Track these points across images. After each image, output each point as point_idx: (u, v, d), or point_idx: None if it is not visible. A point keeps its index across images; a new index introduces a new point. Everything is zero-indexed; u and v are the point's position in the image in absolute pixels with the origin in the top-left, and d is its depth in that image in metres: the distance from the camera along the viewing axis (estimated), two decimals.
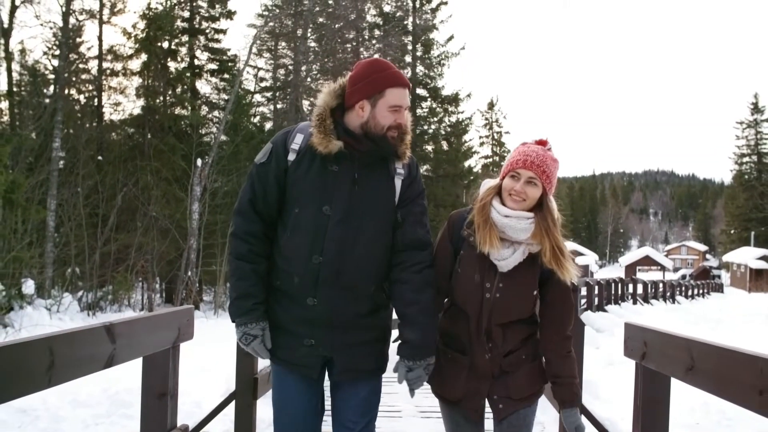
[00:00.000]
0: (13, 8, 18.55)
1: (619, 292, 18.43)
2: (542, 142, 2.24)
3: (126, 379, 5.69)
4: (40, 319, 11.91)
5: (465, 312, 2.23)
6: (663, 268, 65.45)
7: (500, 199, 2.21)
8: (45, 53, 21.60)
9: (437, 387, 2.33)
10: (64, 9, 19.13)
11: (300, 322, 2.17)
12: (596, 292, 15.73)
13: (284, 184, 2.16)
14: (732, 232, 60.07)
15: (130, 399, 4.81)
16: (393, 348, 2.25)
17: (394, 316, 2.34)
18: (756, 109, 59.96)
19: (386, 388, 6.36)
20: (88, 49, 22.01)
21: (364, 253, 2.15)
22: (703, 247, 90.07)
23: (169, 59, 22.33)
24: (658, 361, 2.40)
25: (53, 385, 1.80)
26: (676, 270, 73.82)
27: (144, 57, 21.34)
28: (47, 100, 18.75)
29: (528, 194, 2.15)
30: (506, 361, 2.22)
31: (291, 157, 2.16)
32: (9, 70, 18.10)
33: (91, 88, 22.55)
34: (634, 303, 19.54)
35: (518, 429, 2.25)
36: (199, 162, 18.77)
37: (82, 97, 22.47)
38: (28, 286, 12.21)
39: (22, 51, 20.33)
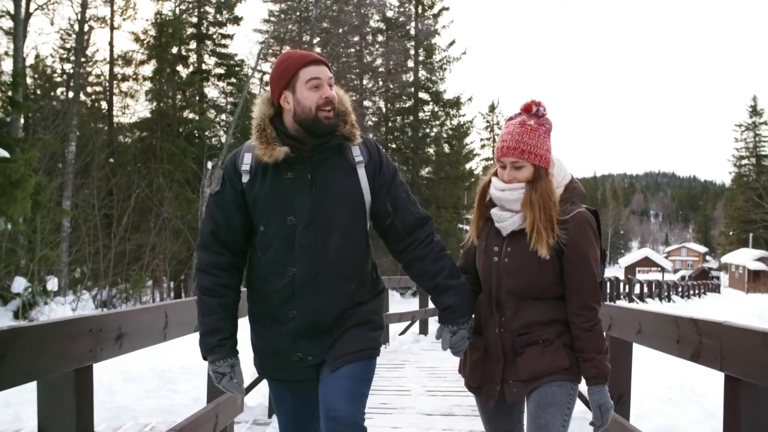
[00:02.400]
0: (27, 15, 19.24)
1: (615, 291, 19.08)
2: (527, 107, 2.19)
3: (169, 360, 6.37)
4: (65, 315, 12.58)
5: (484, 288, 2.22)
6: (662, 270, 65.96)
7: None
8: (60, 58, 22.41)
9: (464, 375, 2.30)
10: (79, 17, 19.86)
11: (284, 339, 2.11)
12: None
13: (245, 207, 2.09)
14: (731, 233, 60.53)
15: (173, 377, 5.48)
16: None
17: (394, 310, 2.55)
18: (754, 111, 60.37)
19: (396, 372, 7.09)
20: (95, 52, 22.75)
21: (337, 254, 2.08)
22: (703, 249, 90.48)
23: (179, 65, 23.03)
24: (620, 330, 3.05)
25: (167, 340, 2.47)
26: (675, 271, 74.29)
27: (155, 62, 22.03)
28: (56, 104, 19.49)
29: (518, 178, 2.14)
30: (519, 340, 2.13)
31: (245, 179, 2.09)
32: (24, 76, 18.79)
33: (98, 89, 23.27)
34: (630, 301, 20.19)
35: (546, 407, 2.09)
36: (209, 164, 19.46)
37: (93, 102, 23.15)
38: (52, 284, 12.85)
39: (37, 57, 21.06)
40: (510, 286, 2.14)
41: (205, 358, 2.13)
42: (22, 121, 16.62)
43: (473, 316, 2.20)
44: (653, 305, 21.38)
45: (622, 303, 19.22)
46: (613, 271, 66.85)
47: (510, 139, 2.13)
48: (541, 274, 2.12)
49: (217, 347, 2.08)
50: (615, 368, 3.08)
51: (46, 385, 1.85)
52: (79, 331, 1.88)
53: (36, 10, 19.29)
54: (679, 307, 22.40)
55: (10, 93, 13.59)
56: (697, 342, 2.11)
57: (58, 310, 12.68)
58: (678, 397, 5.64)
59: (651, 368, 5.72)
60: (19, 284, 12.41)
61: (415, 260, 2.19)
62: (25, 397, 4.35)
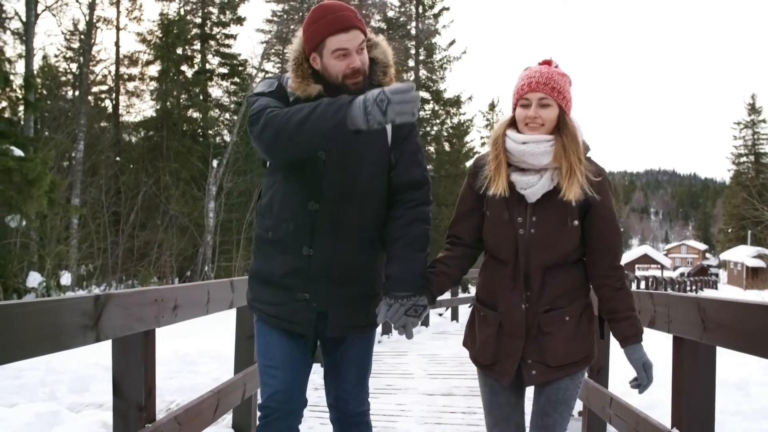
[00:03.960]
0: (36, 17, 19.64)
1: None
2: (547, 62, 2.08)
3: (190, 345, 6.83)
4: None
5: (499, 260, 2.05)
6: (661, 267, 66.39)
7: (516, 130, 2.04)
8: (63, 57, 22.86)
9: (471, 350, 2.16)
10: (87, 18, 20.29)
11: (292, 275, 2.03)
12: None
13: None
14: (729, 231, 60.94)
15: (194, 359, 5.92)
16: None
17: None
18: (753, 109, 60.75)
19: (400, 359, 7.53)
20: (99, 51, 23.20)
21: (362, 198, 2.03)
22: (702, 246, 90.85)
23: (184, 64, 23.46)
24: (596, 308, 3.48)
25: (209, 314, 2.91)
26: (675, 268, 74.69)
27: (160, 63, 22.46)
28: (63, 104, 19.92)
29: (544, 117, 1.98)
30: (546, 318, 2.00)
31: (291, 99, 2.03)
32: (33, 77, 19.20)
33: (104, 89, 23.72)
34: None
35: (556, 405, 2.05)
36: (215, 163, 19.89)
37: (97, 101, 23.58)
38: (66, 279, 13.29)
39: (44, 57, 21.49)
40: (541, 259, 1.99)
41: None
42: (32, 121, 17.04)
43: (421, 296, 2.00)
44: None
45: None
46: None
47: (539, 76, 1.99)
48: (570, 241, 2.01)
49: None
50: (589, 335, 3.53)
51: (120, 343, 2.28)
52: (147, 300, 2.31)
53: (44, 11, 19.74)
54: None
55: (22, 93, 14.01)
56: (652, 311, 2.54)
57: None
58: (664, 376, 6.07)
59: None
60: (34, 279, 12.83)
61: (389, 219, 2.09)
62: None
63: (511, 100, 2.07)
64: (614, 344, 4.22)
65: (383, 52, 2.10)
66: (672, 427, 2.34)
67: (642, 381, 2.03)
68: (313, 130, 1.84)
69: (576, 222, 2.00)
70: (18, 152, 11.68)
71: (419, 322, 2.03)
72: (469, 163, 31.91)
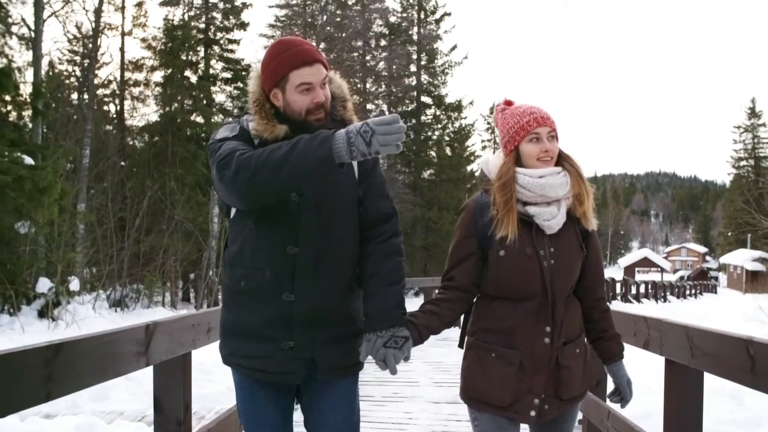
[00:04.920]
0: (42, 23, 19.88)
1: (611, 292, 19.72)
2: (510, 102, 2.16)
3: (203, 356, 7.04)
4: (86, 314, 13.27)
5: (516, 298, 2.03)
6: (661, 270, 66.57)
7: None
8: (67, 61, 23.12)
9: (481, 393, 2.06)
10: (93, 25, 20.53)
11: (273, 324, 1.95)
12: None
13: None
14: (729, 234, 61.13)
15: (209, 369, 6.14)
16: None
17: None
18: (753, 113, 61.00)
19: (405, 366, 7.81)
20: (102, 54, 23.41)
21: (340, 236, 2.00)
22: (702, 249, 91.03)
23: (188, 70, 23.71)
24: None
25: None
26: (675, 271, 74.90)
27: (166, 68, 22.71)
28: (69, 109, 20.17)
29: (554, 151, 2.04)
30: (564, 351, 2.03)
31: (255, 142, 1.96)
32: (39, 84, 19.44)
33: (107, 92, 23.98)
34: (625, 302, 20.84)
35: (559, 426, 2.13)
36: None
37: (103, 104, 23.84)
38: (75, 284, 13.52)
39: (50, 63, 21.74)
40: (563, 290, 2.03)
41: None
42: (40, 128, 17.25)
43: (400, 328, 1.95)
44: (649, 305, 22.05)
45: (618, 303, 19.92)
46: (613, 272, 67.44)
47: (541, 111, 2.04)
48: (578, 268, 2.08)
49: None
50: (594, 358, 3.76)
51: (161, 366, 2.50)
52: (187, 325, 2.54)
53: (50, 17, 19.97)
54: (674, 307, 23.03)
55: (29, 100, 14.23)
56: (647, 334, 2.77)
57: (80, 309, 13.34)
58: (657, 387, 6.31)
59: (635, 364, 6.38)
60: (44, 284, 13.05)
61: (362, 255, 2.06)
62: None
63: (506, 139, 2.06)
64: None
65: (339, 86, 2.08)
66: None
67: (626, 396, 2.16)
68: (296, 167, 1.75)
69: (583, 249, 2.09)
70: (28, 160, 11.92)
71: (403, 356, 1.92)
72: (470, 168, 32.24)
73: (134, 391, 5.88)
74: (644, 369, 7.41)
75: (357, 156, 1.73)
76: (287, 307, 1.94)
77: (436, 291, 2.17)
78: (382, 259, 2.02)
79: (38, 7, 16.58)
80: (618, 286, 21.86)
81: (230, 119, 2.09)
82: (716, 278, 59.39)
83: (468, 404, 2.13)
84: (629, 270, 65.97)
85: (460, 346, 2.23)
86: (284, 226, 1.94)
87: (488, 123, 46.41)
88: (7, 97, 13.81)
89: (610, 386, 2.23)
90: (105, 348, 1.91)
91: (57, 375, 1.65)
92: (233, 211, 2.04)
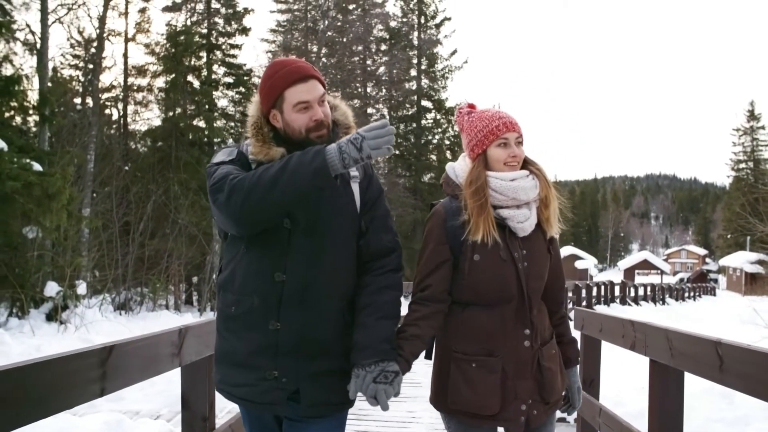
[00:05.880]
0: (47, 28, 20.13)
1: (609, 294, 19.96)
2: (473, 107, 2.17)
3: None
4: (93, 317, 13.50)
5: (493, 303, 2.02)
6: (661, 272, 66.75)
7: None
8: (69, 65, 23.40)
9: (466, 404, 2.03)
10: (98, 32, 20.80)
11: (259, 352, 1.91)
12: (584, 294, 17.35)
13: None
14: (729, 236, 61.33)
15: None
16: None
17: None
18: (752, 116, 61.29)
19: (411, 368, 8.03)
20: (105, 57, 23.68)
21: (332, 266, 1.94)
22: (702, 251, 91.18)
23: (191, 75, 23.99)
24: (589, 329, 3.96)
25: None
26: (675, 273, 75.08)
27: (169, 74, 22.98)
28: (73, 114, 20.43)
29: (521, 156, 2.06)
30: (543, 352, 2.04)
31: (253, 166, 1.93)
32: (46, 91, 19.68)
33: (110, 96, 24.25)
34: (623, 304, 21.06)
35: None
36: None
37: (106, 108, 24.10)
38: (83, 288, 13.76)
39: (54, 69, 21.99)
40: (536, 292, 2.05)
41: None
42: (47, 134, 17.50)
43: (389, 362, 1.88)
44: (647, 308, 22.24)
45: (617, 306, 20.15)
46: (612, 274, 67.66)
47: (508, 117, 2.06)
48: (547, 271, 2.11)
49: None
50: (588, 359, 3.99)
51: (188, 367, 2.74)
52: (212, 329, 2.77)
53: (54, 22, 20.23)
54: (672, 309, 23.21)
55: (35, 106, 14.46)
56: (633, 336, 3.01)
57: (87, 312, 13.57)
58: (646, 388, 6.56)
59: (630, 365, 6.61)
60: (52, 288, 13.28)
61: (358, 286, 2.01)
62: None
63: (473, 142, 2.07)
64: (604, 360, 4.71)
65: (344, 113, 2.06)
66: None
67: (574, 403, 2.21)
68: (290, 183, 1.74)
69: (550, 253, 2.12)
70: (37, 166, 12.17)
71: (394, 391, 1.86)
72: None
73: (147, 392, 6.12)
74: (639, 369, 7.65)
75: (350, 163, 1.74)
76: (273, 335, 1.90)
77: (410, 304, 2.09)
78: (378, 291, 1.97)
79: (44, 14, 16.84)
80: (617, 288, 22.08)
81: (230, 143, 2.10)
82: (716, 280, 59.58)
83: (450, 415, 2.09)
84: (629, 272, 66.12)
85: (428, 357, 2.21)
86: (274, 252, 1.91)
87: None
88: (15, 104, 14.04)
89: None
90: (147, 350, 2.16)
91: (110, 373, 1.89)
92: (229, 235, 2.02)
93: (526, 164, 2.09)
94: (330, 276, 1.94)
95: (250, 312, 1.91)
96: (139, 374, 2.13)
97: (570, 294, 15.98)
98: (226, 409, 5.50)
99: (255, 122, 1.98)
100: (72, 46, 23.15)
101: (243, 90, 26.18)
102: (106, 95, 24.03)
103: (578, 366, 2.20)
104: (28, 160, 12.02)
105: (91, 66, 21.87)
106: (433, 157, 31.47)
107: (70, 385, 1.73)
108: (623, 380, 6.25)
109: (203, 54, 25.13)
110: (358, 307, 1.97)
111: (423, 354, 2.13)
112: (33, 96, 14.87)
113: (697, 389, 6.25)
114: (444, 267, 2.05)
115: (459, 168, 2.14)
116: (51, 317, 13.14)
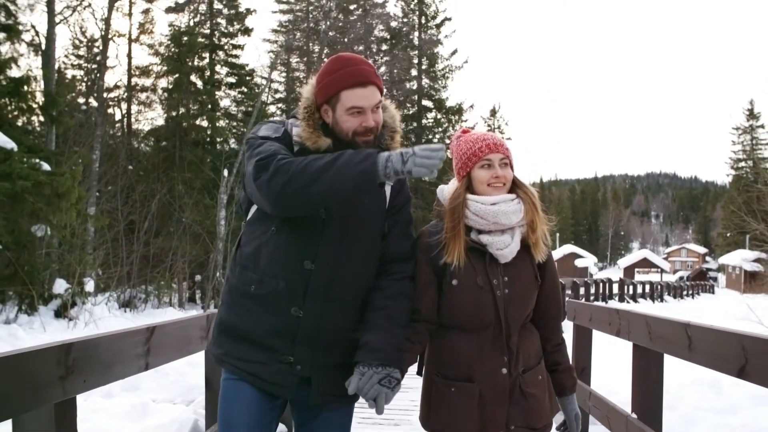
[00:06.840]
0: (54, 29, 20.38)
1: (608, 292, 20.22)
2: (467, 131, 2.16)
3: None
4: (101, 314, 13.79)
5: (470, 329, 2.02)
6: (661, 271, 66.93)
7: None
8: (72, 65, 23.69)
9: (446, 427, 2.04)
10: (103, 33, 21.06)
11: (277, 335, 1.90)
12: (582, 291, 17.63)
13: None
14: (728, 235, 61.50)
15: None
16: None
17: None
18: (752, 115, 61.45)
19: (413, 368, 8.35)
20: (108, 57, 23.94)
21: (359, 262, 1.96)
22: (702, 250, 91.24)
23: (194, 75, 24.25)
24: (580, 319, 4.23)
25: None
26: (675, 272, 75.23)
27: (173, 74, 23.24)
28: (79, 114, 20.71)
29: (506, 177, 2.03)
30: (525, 379, 2.01)
31: (295, 149, 1.93)
32: (53, 92, 19.93)
33: (114, 96, 24.53)
34: (621, 301, 21.33)
35: None
36: (225, 172, 20.65)
37: (110, 107, 24.37)
38: (90, 285, 14.04)
39: (59, 70, 22.25)
40: (517, 319, 2.02)
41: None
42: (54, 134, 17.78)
43: (395, 369, 1.89)
44: (645, 305, 22.49)
45: (615, 303, 20.41)
46: (612, 272, 67.86)
47: (493, 138, 2.05)
48: (534, 298, 2.06)
49: None
50: (580, 347, 4.27)
51: (210, 356, 2.99)
52: None
53: (59, 23, 20.45)
54: (670, 306, 23.46)
55: (42, 106, 14.71)
56: (618, 324, 3.29)
57: (95, 309, 13.86)
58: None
59: (623, 352, 6.89)
60: (60, 286, 13.55)
61: (374, 288, 2.01)
62: None
63: (459, 165, 2.07)
64: (596, 347, 4.97)
65: (392, 116, 2.05)
66: (631, 412, 3.08)
67: (572, 430, 2.15)
68: (333, 180, 1.73)
69: (539, 278, 2.06)
70: (46, 166, 12.44)
71: (392, 397, 1.87)
72: None
73: (160, 382, 6.42)
74: (630, 357, 7.93)
75: (390, 173, 1.73)
76: (294, 321, 1.89)
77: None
78: (395, 296, 1.97)
79: (51, 16, 17.08)
80: (615, 286, 22.35)
81: (275, 118, 2.06)
82: (715, 279, 59.78)
83: None
84: (629, 271, 66.31)
85: (419, 373, 2.23)
86: (305, 239, 1.89)
87: (489, 126, 47.02)
88: (23, 105, 14.29)
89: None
90: (182, 332, 2.43)
91: (153, 350, 2.17)
92: (252, 212, 2.00)
93: (516, 187, 2.07)
94: (356, 272, 1.95)
95: (273, 294, 1.89)
96: (176, 352, 2.40)
97: (569, 291, 16.26)
98: None
99: (308, 106, 1.95)
100: (76, 46, 23.46)
101: (245, 90, 26.46)
102: (108, 95, 24.32)
103: (574, 394, 2.16)
104: (37, 160, 12.29)
105: (95, 66, 22.12)
106: None
107: (123, 359, 2.00)
108: (617, 369, 6.53)
109: (206, 54, 25.36)
110: (372, 307, 1.97)
111: (415, 367, 2.18)
112: (39, 97, 15.12)
113: (686, 380, 6.53)
114: (430, 287, 2.05)
115: (446, 190, 2.14)
116: (59, 314, 13.42)
